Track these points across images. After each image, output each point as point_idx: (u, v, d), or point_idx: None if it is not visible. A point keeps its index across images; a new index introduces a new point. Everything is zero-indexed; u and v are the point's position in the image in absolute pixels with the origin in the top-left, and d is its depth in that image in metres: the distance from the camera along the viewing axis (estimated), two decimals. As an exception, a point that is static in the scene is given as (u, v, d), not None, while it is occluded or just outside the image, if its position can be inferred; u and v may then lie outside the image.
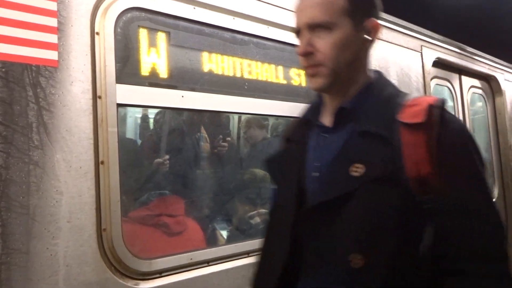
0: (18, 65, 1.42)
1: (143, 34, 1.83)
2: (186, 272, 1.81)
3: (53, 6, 1.52)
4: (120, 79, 1.70)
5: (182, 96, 1.92)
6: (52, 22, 1.52)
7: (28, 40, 1.46)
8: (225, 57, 2.14)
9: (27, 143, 1.42)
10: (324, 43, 1.09)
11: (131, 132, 2.82)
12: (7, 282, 1.34)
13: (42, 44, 1.48)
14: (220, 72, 2.12)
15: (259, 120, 3.15)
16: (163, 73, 1.90)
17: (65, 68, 1.54)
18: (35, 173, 1.43)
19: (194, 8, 1.99)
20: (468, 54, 4.22)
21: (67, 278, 1.47)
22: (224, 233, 2.45)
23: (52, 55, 1.51)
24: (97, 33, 1.65)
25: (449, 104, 4.12)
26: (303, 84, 2.48)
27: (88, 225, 1.54)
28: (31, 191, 1.41)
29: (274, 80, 2.35)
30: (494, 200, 1.02)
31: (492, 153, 4.60)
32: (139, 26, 1.82)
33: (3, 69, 1.39)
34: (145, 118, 2.74)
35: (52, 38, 1.51)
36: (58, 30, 1.53)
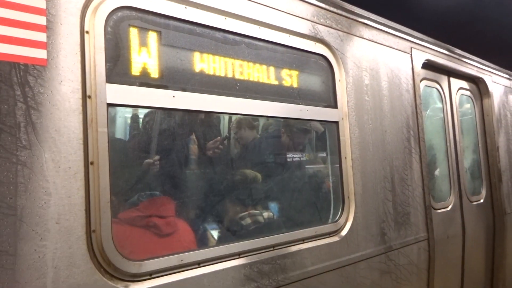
0: (5, 64, 1.40)
1: (133, 33, 1.82)
2: (176, 274, 1.80)
3: (42, 4, 1.50)
4: (110, 79, 1.69)
5: (173, 96, 1.91)
6: (41, 20, 1.50)
7: (16, 38, 1.43)
8: (216, 57, 2.13)
9: (14, 143, 1.40)
10: None
11: (121, 132, 2.79)
12: (-7, 284, 1.32)
13: (31, 42, 1.46)
14: (211, 72, 2.11)
15: (249, 120, 3.15)
16: (154, 73, 1.88)
17: (54, 67, 1.52)
18: (23, 173, 1.40)
19: (186, 7, 1.98)
20: (457, 56, 4.27)
21: (55, 281, 1.45)
22: (215, 234, 2.43)
23: (41, 53, 1.49)
24: (87, 32, 1.63)
25: (438, 105, 4.17)
26: (295, 85, 2.48)
27: (77, 226, 1.51)
28: (18, 192, 1.39)
29: (266, 81, 2.35)
30: None
31: (480, 154, 4.66)
32: (129, 25, 1.81)
33: (-10, 68, 1.37)
34: (135, 118, 2.71)
35: (41, 37, 1.49)
36: (47, 29, 1.51)
